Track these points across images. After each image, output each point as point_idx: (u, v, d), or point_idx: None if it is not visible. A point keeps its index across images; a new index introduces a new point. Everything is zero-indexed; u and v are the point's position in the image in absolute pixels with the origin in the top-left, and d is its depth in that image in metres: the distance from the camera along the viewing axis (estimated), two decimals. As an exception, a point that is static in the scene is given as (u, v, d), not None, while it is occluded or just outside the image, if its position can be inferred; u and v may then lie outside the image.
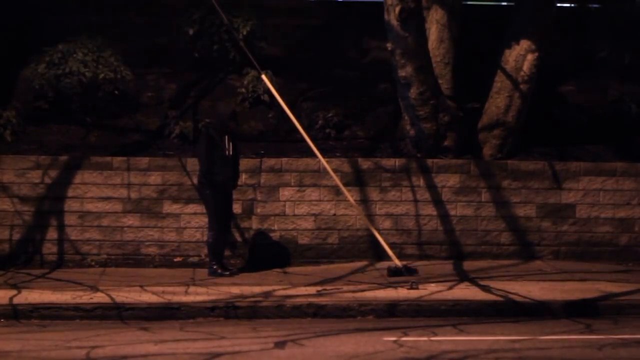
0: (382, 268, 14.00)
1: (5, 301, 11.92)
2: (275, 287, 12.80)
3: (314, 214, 14.63)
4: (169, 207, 14.47)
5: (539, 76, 15.41)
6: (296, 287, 12.85)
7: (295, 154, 14.82)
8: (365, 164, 14.73)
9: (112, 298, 12.05)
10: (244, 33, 15.70)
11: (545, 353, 10.05)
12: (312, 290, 12.66)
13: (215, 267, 13.56)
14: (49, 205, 14.33)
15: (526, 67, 15.24)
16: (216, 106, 15.65)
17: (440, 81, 15.26)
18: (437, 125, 14.95)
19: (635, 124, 15.81)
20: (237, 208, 14.23)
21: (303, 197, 14.63)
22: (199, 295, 12.31)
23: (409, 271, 13.45)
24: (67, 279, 13.28)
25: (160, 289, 12.63)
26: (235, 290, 12.58)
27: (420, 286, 12.73)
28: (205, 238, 14.15)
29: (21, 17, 16.35)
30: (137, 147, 14.97)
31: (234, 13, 15.72)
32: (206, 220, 14.10)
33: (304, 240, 14.61)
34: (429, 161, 14.85)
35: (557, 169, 14.94)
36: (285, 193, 14.63)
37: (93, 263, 14.33)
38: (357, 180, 14.67)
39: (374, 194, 14.69)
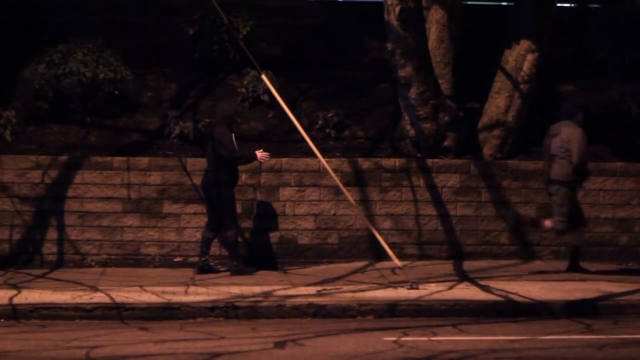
0: (382, 268, 14.00)
1: (5, 301, 11.91)
2: (275, 287, 12.80)
3: (314, 214, 14.63)
4: (169, 207, 14.47)
5: (539, 76, 15.41)
6: (296, 287, 12.85)
7: (295, 154, 14.83)
8: (365, 164, 14.74)
9: (112, 298, 12.05)
10: (244, 33, 15.71)
11: (545, 353, 10.06)
12: (312, 290, 12.66)
13: (237, 265, 13.59)
14: (49, 205, 14.34)
15: (526, 67, 15.25)
16: (217, 106, 15.66)
17: (440, 81, 15.27)
18: (437, 125, 14.96)
19: (635, 124, 15.82)
20: (237, 208, 14.20)
21: (303, 197, 14.64)
22: (199, 295, 12.31)
23: None
24: (67, 279, 13.28)
25: (160, 289, 12.63)
26: (235, 290, 12.58)
27: (420, 286, 12.73)
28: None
29: (21, 17, 16.34)
30: (137, 147, 14.98)
31: (234, 13, 15.72)
32: (206, 220, 14.11)
33: (304, 240, 14.61)
34: (429, 161, 14.85)
35: (557, 169, 14.94)
36: (285, 193, 14.63)
37: (93, 263, 14.33)
38: (357, 180, 14.67)
39: (374, 194, 14.69)
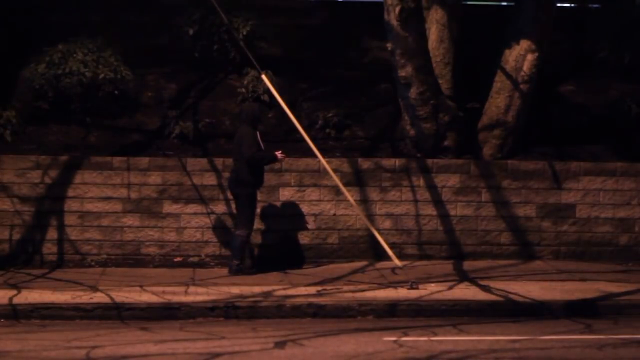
0: (382, 268, 14.00)
1: (5, 301, 11.92)
2: (275, 287, 12.80)
3: (314, 214, 14.63)
4: (169, 207, 14.47)
5: (539, 76, 15.41)
6: (296, 287, 12.85)
7: (295, 154, 14.82)
8: (365, 164, 14.74)
9: (112, 298, 12.05)
10: (244, 33, 15.70)
11: (545, 353, 10.06)
12: (312, 290, 12.67)
13: (238, 265, 13.57)
14: (49, 205, 14.33)
15: (526, 67, 15.25)
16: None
17: (440, 81, 15.27)
18: (437, 125, 14.96)
19: (635, 124, 15.82)
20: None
21: (303, 197, 14.63)
22: (199, 295, 12.32)
23: None
24: (67, 279, 13.29)
25: (160, 289, 12.63)
26: (235, 290, 12.58)
27: (420, 286, 12.74)
28: (205, 238, 14.19)
29: (21, 16, 16.35)
30: (137, 147, 14.98)
31: (234, 13, 15.72)
32: (206, 220, 14.15)
33: (304, 240, 14.61)
34: (429, 161, 14.85)
35: (557, 169, 14.95)
36: (285, 193, 14.63)
37: (93, 263, 14.33)
38: (357, 180, 14.67)
39: (374, 194, 14.69)
